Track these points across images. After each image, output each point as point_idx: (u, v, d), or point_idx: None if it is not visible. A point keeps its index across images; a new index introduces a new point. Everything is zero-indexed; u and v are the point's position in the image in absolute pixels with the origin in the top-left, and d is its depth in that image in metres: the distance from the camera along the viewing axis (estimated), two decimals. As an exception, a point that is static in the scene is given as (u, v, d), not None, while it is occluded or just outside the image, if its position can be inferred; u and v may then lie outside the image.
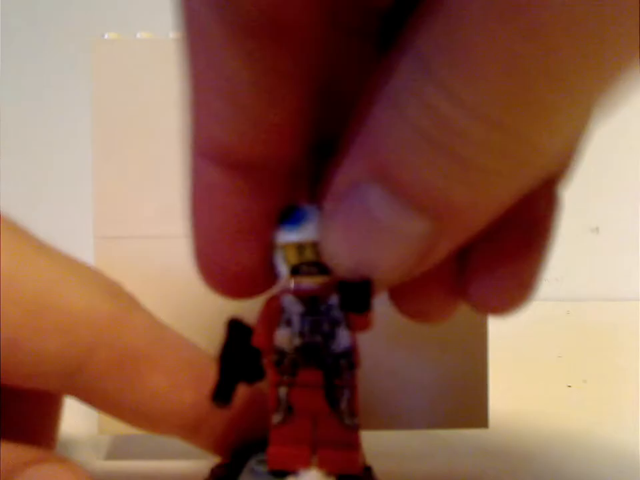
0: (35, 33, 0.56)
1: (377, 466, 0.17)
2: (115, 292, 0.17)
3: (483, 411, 0.24)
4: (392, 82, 0.11)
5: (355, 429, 0.15)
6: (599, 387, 0.34)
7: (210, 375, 0.15)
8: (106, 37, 0.24)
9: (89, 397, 0.16)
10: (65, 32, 0.55)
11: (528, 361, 0.38)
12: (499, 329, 0.25)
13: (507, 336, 0.31)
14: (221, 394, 0.15)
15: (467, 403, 0.24)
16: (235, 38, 0.11)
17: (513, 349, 0.37)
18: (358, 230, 0.12)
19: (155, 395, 0.16)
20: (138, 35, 0.24)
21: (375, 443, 0.23)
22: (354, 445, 0.15)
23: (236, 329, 0.15)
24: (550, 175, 0.15)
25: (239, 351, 0.15)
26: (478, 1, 0.10)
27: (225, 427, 0.17)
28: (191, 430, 0.17)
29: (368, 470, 0.17)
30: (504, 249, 0.15)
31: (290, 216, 0.14)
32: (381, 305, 0.15)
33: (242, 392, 0.16)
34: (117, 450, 0.25)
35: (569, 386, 0.34)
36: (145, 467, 0.20)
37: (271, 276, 0.15)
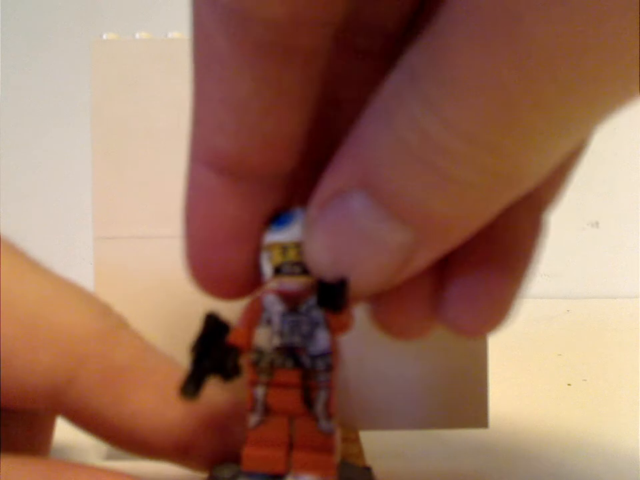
0: (35, 33, 0.56)
1: (377, 466, 0.17)
2: (104, 311, 0.17)
3: (482, 411, 0.24)
4: (382, 92, 0.12)
5: (330, 433, 0.15)
6: (599, 385, 0.34)
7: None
8: (105, 37, 0.24)
9: (77, 414, 0.16)
10: (64, 32, 0.55)
11: (528, 360, 0.38)
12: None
13: (506, 335, 0.31)
14: (189, 386, 0.15)
15: (466, 403, 0.24)
16: (244, 56, 0.12)
17: (513, 348, 0.37)
18: (340, 235, 0.13)
19: (142, 412, 0.16)
20: (137, 36, 0.24)
21: (375, 443, 0.23)
22: (329, 449, 0.15)
23: (211, 322, 0.15)
24: (536, 199, 0.15)
25: (212, 345, 0.15)
26: (467, 27, 0.10)
27: (215, 445, 0.17)
28: (180, 449, 0.16)
29: (368, 470, 0.17)
30: (482, 271, 0.15)
31: (278, 217, 0.15)
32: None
33: (232, 408, 0.17)
34: (117, 450, 0.25)
35: (569, 385, 0.34)
36: (144, 467, 0.20)
37: (260, 277, 0.15)
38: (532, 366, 0.37)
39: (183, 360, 0.15)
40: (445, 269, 0.15)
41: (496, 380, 0.24)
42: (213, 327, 0.15)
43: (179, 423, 0.16)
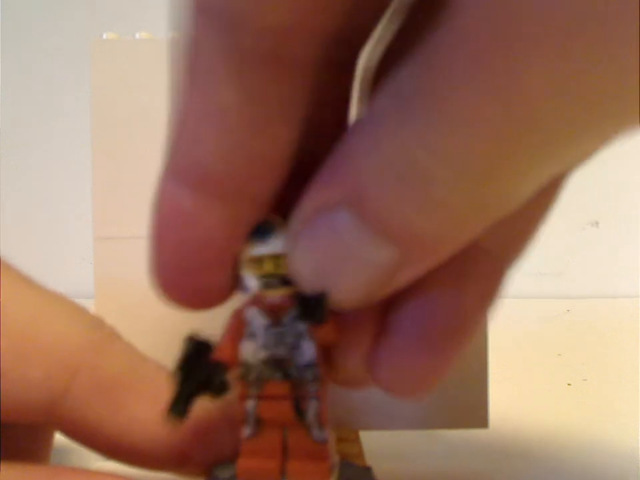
0: (35, 33, 0.56)
1: (377, 466, 0.17)
2: (95, 323, 0.17)
3: (482, 411, 0.24)
4: (369, 113, 0.12)
5: (323, 441, 0.15)
6: (599, 385, 0.34)
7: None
8: (105, 37, 0.24)
9: (72, 427, 0.16)
10: (64, 32, 0.55)
11: (528, 360, 0.38)
12: (499, 328, 0.25)
13: (506, 335, 0.31)
14: (176, 407, 0.15)
15: (466, 402, 0.24)
16: (234, 65, 0.11)
17: (513, 348, 0.37)
18: (323, 251, 0.13)
19: (137, 422, 0.16)
20: (137, 35, 0.24)
21: (375, 443, 0.23)
22: (323, 457, 0.15)
23: (192, 344, 0.15)
24: (497, 261, 0.15)
25: (195, 365, 0.15)
26: (458, 62, 0.10)
27: (211, 451, 0.17)
28: (177, 457, 0.16)
29: (368, 470, 0.17)
30: (420, 335, 0.14)
31: (256, 229, 0.14)
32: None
33: (225, 415, 0.17)
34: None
35: (569, 385, 0.34)
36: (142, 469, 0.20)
37: (232, 288, 0.15)
38: (532, 366, 0.37)
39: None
40: (383, 324, 0.15)
41: (496, 380, 0.24)
42: (195, 348, 0.15)
43: (173, 432, 0.16)
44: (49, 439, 0.19)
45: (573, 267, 0.54)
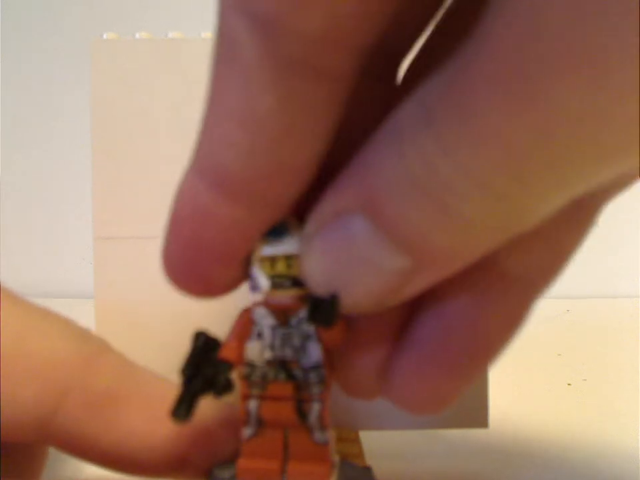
0: (35, 33, 0.56)
1: (377, 466, 0.17)
2: (84, 337, 0.17)
3: (482, 411, 0.24)
4: (394, 121, 0.12)
5: (324, 443, 0.15)
6: (599, 385, 0.34)
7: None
8: (105, 37, 0.24)
9: (66, 443, 0.16)
10: (64, 32, 0.55)
11: (528, 360, 0.38)
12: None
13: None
14: (180, 408, 0.14)
15: (467, 402, 0.24)
16: (271, 70, 0.11)
17: (513, 348, 0.37)
18: (337, 255, 0.13)
19: (132, 434, 0.16)
20: (137, 36, 0.24)
21: (375, 443, 0.23)
22: (324, 459, 0.15)
23: (200, 341, 0.15)
24: (528, 286, 0.15)
25: (202, 364, 0.15)
26: (489, 80, 0.10)
27: (208, 457, 0.17)
28: (175, 465, 0.16)
29: (368, 470, 0.17)
30: (439, 351, 0.14)
31: (271, 229, 0.14)
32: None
33: (223, 419, 0.16)
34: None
35: (569, 384, 0.34)
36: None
37: (240, 280, 0.15)
38: (532, 366, 0.37)
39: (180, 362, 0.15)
40: (400, 339, 0.15)
41: (496, 380, 0.24)
42: (203, 345, 0.15)
43: (170, 439, 0.16)
44: (41, 455, 0.19)
45: (572, 267, 0.54)
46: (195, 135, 0.13)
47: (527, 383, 0.34)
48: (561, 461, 0.25)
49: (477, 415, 0.24)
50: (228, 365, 0.15)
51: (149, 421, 0.16)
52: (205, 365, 0.15)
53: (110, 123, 0.24)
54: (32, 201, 0.57)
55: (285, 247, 0.14)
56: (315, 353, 0.15)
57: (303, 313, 0.15)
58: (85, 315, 0.21)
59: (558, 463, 0.25)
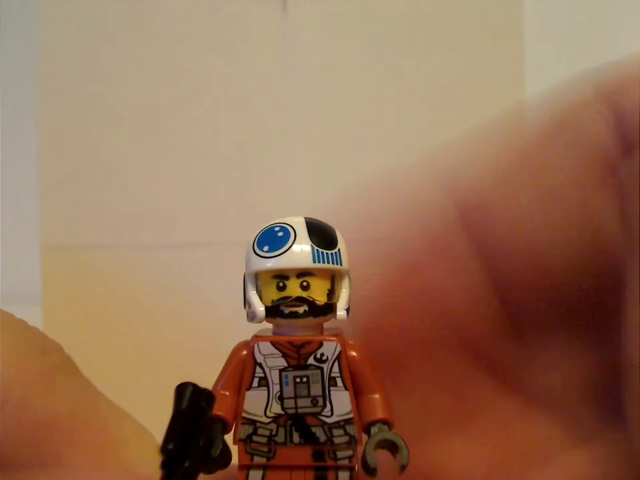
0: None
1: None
2: (47, 349, 0.15)
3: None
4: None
5: None
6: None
7: (141, 462, 0.12)
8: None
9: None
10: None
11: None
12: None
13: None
14: None
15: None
16: None
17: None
18: None
19: (75, 477, 0.13)
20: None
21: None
22: None
23: (188, 397, 0.10)
24: None
25: (193, 430, 0.10)
26: None
27: None
28: None
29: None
30: None
31: (266, 237, 0.11)
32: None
33: None
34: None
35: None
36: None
37: None
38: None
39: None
40: None
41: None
42: (193, 403, 0.10)
43: None
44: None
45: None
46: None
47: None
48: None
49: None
50: (221, 426, 0.11)
51: (95, 469, 0.13)
52: (197, 433, 0.10)
53: (57, 129, 0.24)
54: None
55: (288, 259, 0.11)
56: (342, 402, 0.11)
57: (325, 347, 0.11)
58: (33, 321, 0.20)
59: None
